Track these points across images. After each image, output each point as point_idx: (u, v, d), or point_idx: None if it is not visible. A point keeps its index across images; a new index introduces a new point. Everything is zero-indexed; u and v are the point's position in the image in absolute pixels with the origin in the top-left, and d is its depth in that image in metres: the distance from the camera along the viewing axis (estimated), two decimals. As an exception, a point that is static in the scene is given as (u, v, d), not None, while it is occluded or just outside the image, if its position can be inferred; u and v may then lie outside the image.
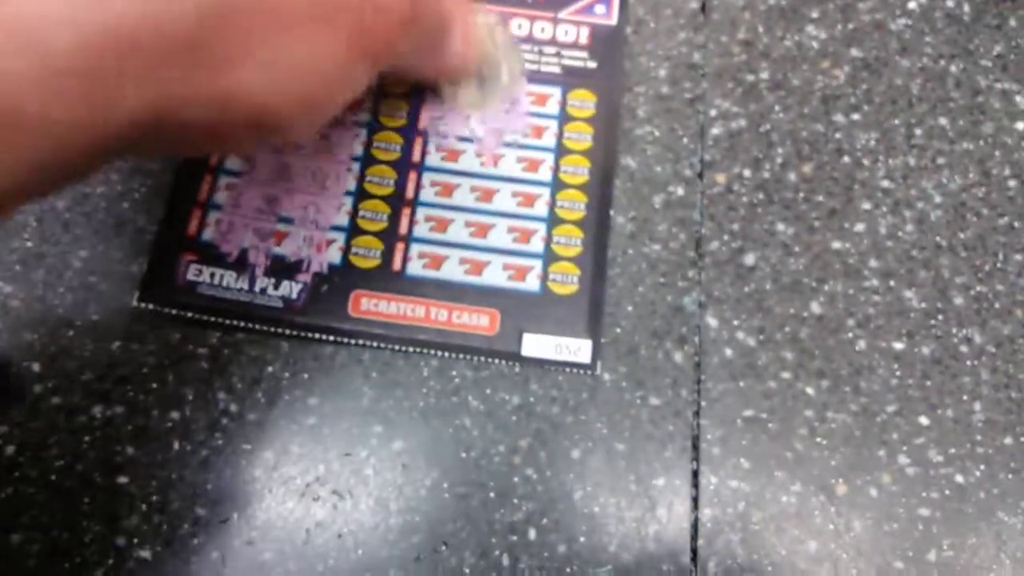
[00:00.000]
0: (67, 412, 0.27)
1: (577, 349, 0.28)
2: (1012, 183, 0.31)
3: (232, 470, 0.27)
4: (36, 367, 0.28)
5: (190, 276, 0.28)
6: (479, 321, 0.28)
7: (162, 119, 0.18)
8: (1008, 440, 0.28)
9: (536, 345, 0.28)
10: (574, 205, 0.30)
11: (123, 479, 0.27)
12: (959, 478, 0.27)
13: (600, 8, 0.33)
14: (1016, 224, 0.30)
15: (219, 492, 0.27)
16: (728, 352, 0.29)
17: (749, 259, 0.30)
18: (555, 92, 0.31)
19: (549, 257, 0.29)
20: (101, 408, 0.27)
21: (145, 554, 0.26)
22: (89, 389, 0.28)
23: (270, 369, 0.28)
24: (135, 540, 0.26)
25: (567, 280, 0.29)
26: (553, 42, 0.32)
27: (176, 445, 0.27)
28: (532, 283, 0.29)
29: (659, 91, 0.32)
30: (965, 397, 0.28)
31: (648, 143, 0.31)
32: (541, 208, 0.30)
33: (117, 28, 0.16)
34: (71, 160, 0.17)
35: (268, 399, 0.28)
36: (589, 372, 0.28)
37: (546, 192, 0.30)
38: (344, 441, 0.27)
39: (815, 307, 0.29)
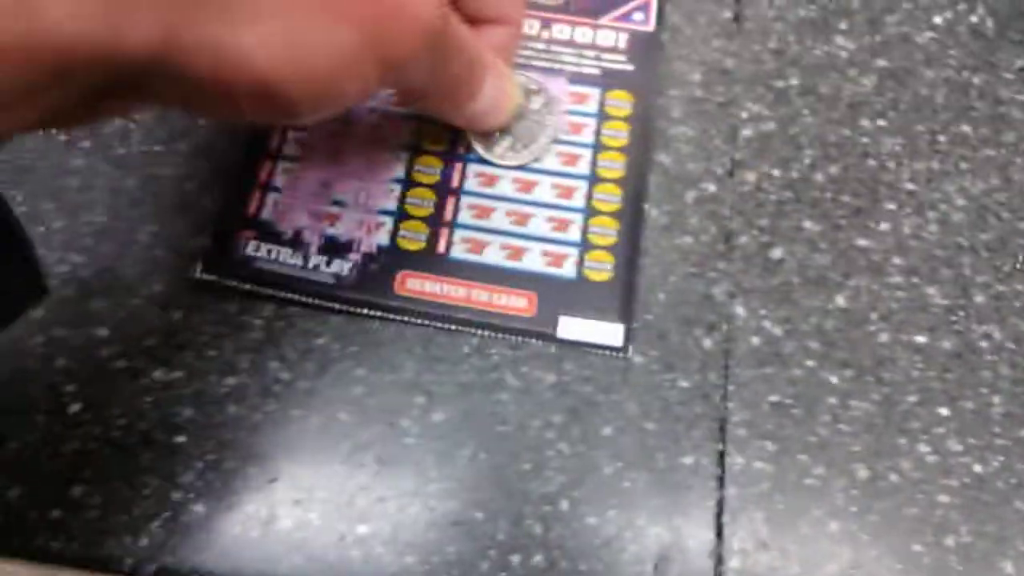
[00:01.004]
0: (130, 374, 0.29)
1: (610, 333, 0.30)
2: (1033, 189, 0.32)
3: (282, 434, 0.28)
4: (103, 332, 0.30)
5: (249, 251, 0.30)
6: (517, 303, 0.30)
7: (167, 59, 0.18)
8: (1026, 433, 0.29)
9: (571, 328, 0.30)
10: (610, 198, 0.31)
11: (181, 438, 0.28)
12: (977, 468, 0.28)
13: (639, 15, 0.34)
14: (1036, 228, 0.31)
15: (270, 454, 0.28)
16: (755, 340, 0.30)
17: (777, 253, 0.31)
18: (594, 92, 0.33)
19: (585, 245, 0.31)
20: (162, 372, 0.29)
21: (200, 508, 0.27)
22: (151, 354, 0.29)
23: (320, 341, 0.30)
24: (191, 495, 0.28)
25: (602, 267, 0.30)
26: (593, 46, 0.34)
27: (231, 409, 0.29)
28: (569, 269, 0.30)
29: (693, 94, 0.34)
30: (984, 390, 0.29)
31: (682, 142, 0.33)
32: (579, 200, 0.31)
33: None
34: (81, 76, 0.17)
35: (318, 369, 0.29)
36: (621, 355, 0.29)
37: (584, 185, 0.32)
38: (388, 411, 0.29)
39: (840, 300, 0.30)
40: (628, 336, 0.30)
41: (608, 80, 0.34)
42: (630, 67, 0.34)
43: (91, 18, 0.17)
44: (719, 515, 0.28)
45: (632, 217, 0.31)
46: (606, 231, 0.31)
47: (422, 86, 0.26)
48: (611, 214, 0.31)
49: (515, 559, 0.27)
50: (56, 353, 0.29)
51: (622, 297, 0.30)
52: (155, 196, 0.32)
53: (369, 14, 0.21)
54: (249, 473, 0.28)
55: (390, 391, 0.29)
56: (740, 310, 0.30)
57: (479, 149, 0.32)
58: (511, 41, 0.30)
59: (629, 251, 0.31)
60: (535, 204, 0.31)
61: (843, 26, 0.35)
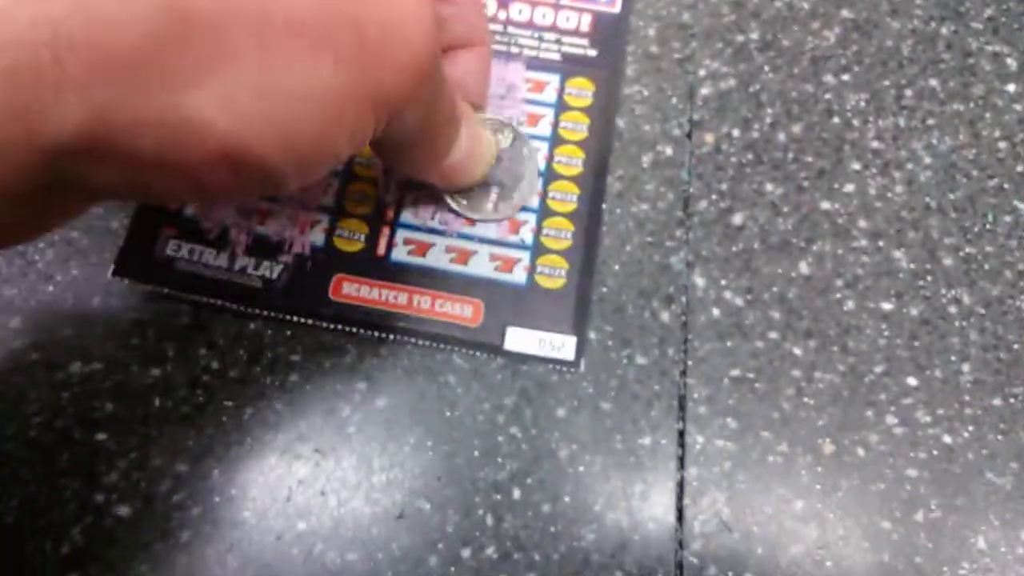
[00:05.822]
0: (46, 367, 0.27)
1: (561, 345, 0.27)
2: (1002, 145, 0.31)
3: (213, 427, 0.27)
4: (15, 322, 0.27)
5: (168, 251, 0.28)
6: (462, 311, 0.28)
7: (109, 145, 0.15)
8: (996, 401, 0.27)
9: (519, 339, 0.27)
10: (566, 197, 0.29)
11: (102, 435, 0.26)
12: (947, 439, 0.27)
13: None
14: (1006, 186, 0.30)
15: (200, 449, 0.26)
16: (715, 312, 0.28)
17: (737, 219, 0.29)
18: (553, 80, 0.31)
19: (538, 249, 0.28)
20: (80, 364, 0.27)
21: (124, 511, 0.25)
22: (68, 344, 0.27)
23: (252, 326, 0.28)
24: (114, 496, 0.26)
25: (555, 274, 0.28)
26: (554, 28, 0.31)
27: (157, 401, 0.27)
28: (519, 275, 0.28)
29: (648, 50, 0.32)
30: (953, 358, 0.28)
31: (637, 102, 0.31)
32: (532, 198, 0.29)
33: (55, 25, 0.13)
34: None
35: (250, 355, 0.27)
36: (572, 369, 0.28)
37: (539, 182, 0.29)
38: (327, 398, 0.27)
39: (803, 267, 0.29)
40: (580, 349, 0.27)
41: (568, 66, 0.31)
42: (592, 52, 0.31)
43: None
44: (680, 497, 0.26)
45: (589, 219, 0.29)
46: (560, 234, 0.29)
47: (410, 136, 0.21)
48: (567, 215, 0.29)
49: (465, 552, 0.25)
50: (-37, 347, 0.27)
51: (575, 306, 0.28)
52: (68, 174, 0.29)
53: (357, 42, 0.17)
54: (178, 470, 0.26)
55: (329, 376, 0.27)
56: (699, 280, 0.29)
57: (466, 212, 0.29)
58: (481, 68, 0.26)
59: (585, 256, 0.28)
60: None
61: (805, -24, 0.33)
